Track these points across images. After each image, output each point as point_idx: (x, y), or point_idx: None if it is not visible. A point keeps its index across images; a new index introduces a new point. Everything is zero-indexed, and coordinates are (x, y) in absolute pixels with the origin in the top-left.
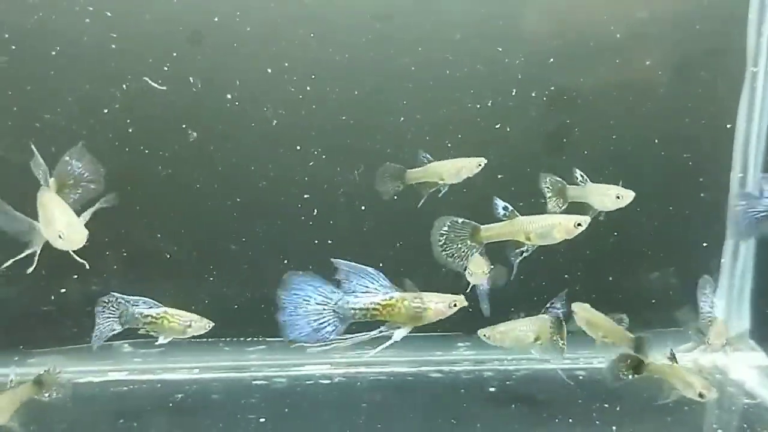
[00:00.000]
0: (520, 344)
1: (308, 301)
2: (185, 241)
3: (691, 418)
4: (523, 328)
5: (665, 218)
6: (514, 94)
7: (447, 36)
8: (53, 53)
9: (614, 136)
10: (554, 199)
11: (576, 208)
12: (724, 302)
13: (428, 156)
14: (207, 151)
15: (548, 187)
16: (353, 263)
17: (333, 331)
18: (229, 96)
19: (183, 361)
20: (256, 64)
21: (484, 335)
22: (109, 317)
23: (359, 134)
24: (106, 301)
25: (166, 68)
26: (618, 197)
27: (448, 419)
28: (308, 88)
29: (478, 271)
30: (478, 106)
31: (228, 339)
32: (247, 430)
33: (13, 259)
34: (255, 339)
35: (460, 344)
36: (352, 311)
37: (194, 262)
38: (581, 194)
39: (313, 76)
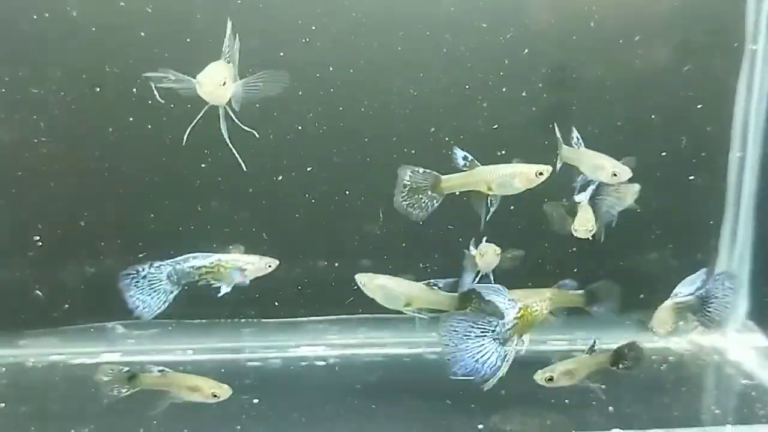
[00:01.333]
0: (391, 303)
1: (468, 335)
2: (181, 223)
3: (689, 399)
4: (398, 289)
5: (663, 199)
6: (509, 73)
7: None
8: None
9: (611, 116)
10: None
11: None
12: None
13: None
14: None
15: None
16: (484, 284)
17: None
18: None
19: (177, 342)
20: None
21: (362, 282)
22: (154, 283)
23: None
24: (135, 272)
25: (167, 54)
26: (614, 174)
27: (444, 400)
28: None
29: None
30: (467, 86)
31: (222, 320)
32: (241, 411)
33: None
34: (250, 320)
35: None
36: (508, 332)
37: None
38: (574, 157)
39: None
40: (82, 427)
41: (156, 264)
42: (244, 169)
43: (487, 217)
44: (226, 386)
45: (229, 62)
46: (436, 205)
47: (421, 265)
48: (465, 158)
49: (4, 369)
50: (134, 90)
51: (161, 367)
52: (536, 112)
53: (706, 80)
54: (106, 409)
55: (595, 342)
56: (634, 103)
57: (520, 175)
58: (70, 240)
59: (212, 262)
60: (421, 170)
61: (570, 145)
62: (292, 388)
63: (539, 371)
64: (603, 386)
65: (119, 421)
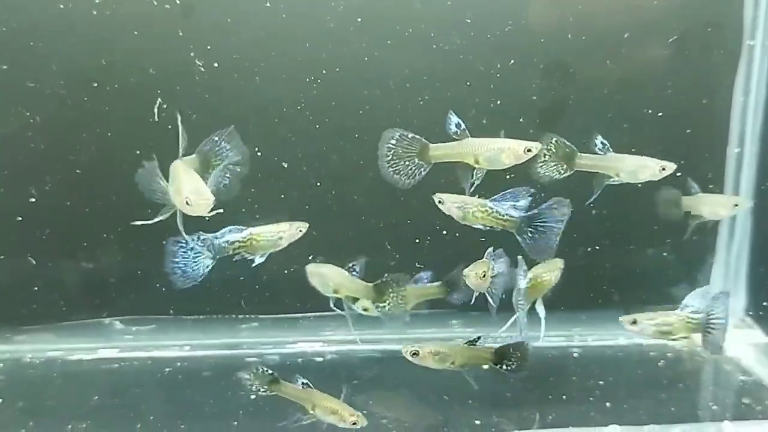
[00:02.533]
0: (323, 289)
1: None
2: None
3: (686, 395)
4: (328, 275)
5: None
6: (509, 65)
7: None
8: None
9: (609, 110)
10: (552, 164)
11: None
12: (721, 280)
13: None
14: None
15: (551, 149)
16: None
17: None
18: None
19: (174, 338)
20: None
21: (308, 270)
22: (198, 256)
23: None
24: (185, 242)
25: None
26: (663, 169)
27: (441, 396)
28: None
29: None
30: (468, 83)
31: (220, 316)
32: (238, 407)
33: (143, 222)
34: (248, 316)
35: (453, 321)
36: None
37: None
38: (604, 164)
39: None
40: (80, 422)
41: (202, 237)
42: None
43: (471, 190)
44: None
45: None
46: (423, 173)
47: (417, 264)
48: (458, 125)
49: (1, 365)
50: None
51: (306, 381)
52: (532, 107)
53: (703, 76)
54: (103, 405)
55: (479, 338)
56: (632, 99)
57: (508, 151)
58: (68, 235)
59: (245, 237)
60: (410, 135)
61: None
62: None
63: (407, 345)
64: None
65: (116, 417)
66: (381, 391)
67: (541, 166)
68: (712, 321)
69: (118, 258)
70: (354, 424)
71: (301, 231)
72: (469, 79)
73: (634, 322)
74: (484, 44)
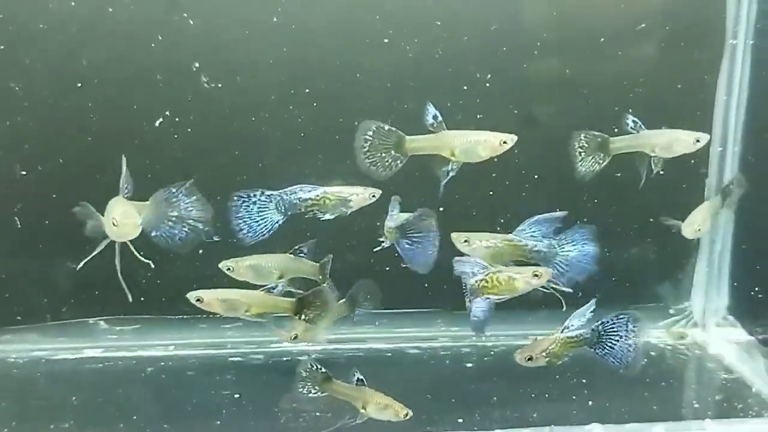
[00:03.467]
0: (264, 278)
1: None
2: None
3: (669, 393)
4: (269, 263)
5: (643, 193)
6: (490, 69)
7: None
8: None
9: (592, 108)
10: (590, 159)
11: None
12: (704, 278)
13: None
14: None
15: (583, 145)
16: None
17: None
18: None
19: (159, 338)
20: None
21: (228, 268)
22: (265, 210)
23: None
24: (246, 197)
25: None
26: (697, 140)
27: (425, 395)
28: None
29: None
30: (465, 87)
31: (205, 316)
32: (221, 406)
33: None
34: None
35: (438, 320)
36: None
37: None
38: (636, 143)
39: None
40: (64, 422)
41: (267, 192)
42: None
43: (443, 183)
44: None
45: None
46: (400, 165)
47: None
48: (435, 117)
49: None
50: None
51: (361, 377)
52: (516, 106)
53: (686, 75)
54: (87, 405)
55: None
56: (614, 98)
57: (484, 143)
58: (53, 235)
59: (318, 195)
60: (386, 127)
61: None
62: (273, 383)
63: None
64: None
65: (100, 417)
66: None
67: (581, 164)
68: (609, 337)
69: (102, 258)
70: (406, 416)
71: (374, 197)
72: (456, 78)
73: (466, 241)
74: (472, 42)
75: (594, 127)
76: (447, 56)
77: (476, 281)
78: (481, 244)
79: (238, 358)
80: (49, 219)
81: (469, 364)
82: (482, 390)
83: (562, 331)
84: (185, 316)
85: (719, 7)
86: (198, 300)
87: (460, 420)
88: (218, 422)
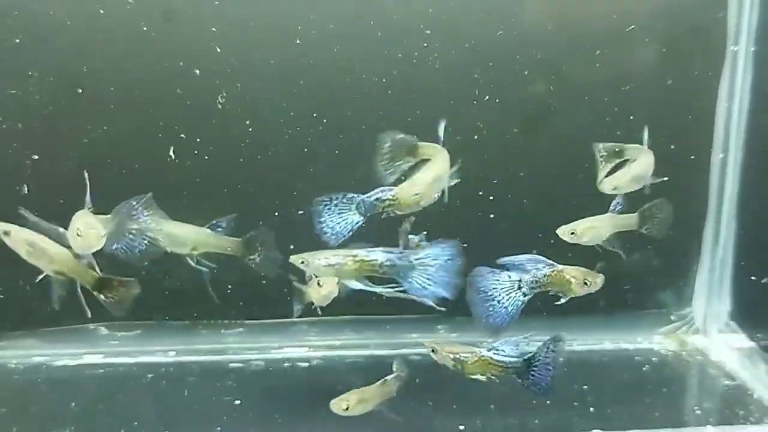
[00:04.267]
0: (178, 248)
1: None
2: None
3: (671, 399)
4: (183, 233)
5: (645, 199)
6: (491, 73)
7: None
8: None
9: (593, 115)
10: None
11: None
12: (706, 284)
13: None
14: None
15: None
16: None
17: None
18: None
19: (159, 343)
20: None
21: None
22: (343, 212)
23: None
24: (328, 200)
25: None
26: None
27: (425, 401)
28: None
29: None
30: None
31: (205, 322)
32: (222, 412)
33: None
34: (233, 322)
35: (439, 326)
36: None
37: None
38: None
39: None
40: (64, 428)
41: (349, 195)
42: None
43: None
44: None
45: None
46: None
47: None
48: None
49: None
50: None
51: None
52: (517, 112)
53: (688, 81)
54: (87, 411)
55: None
56: (616, 104)
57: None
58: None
59: (393, 195)
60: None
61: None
62: (273, 389)
63: None
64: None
65: (100, 423)
66: None
67: (611, 181)
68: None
69: (103, 264)
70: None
71: (437, 196)
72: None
73: (303, 262)
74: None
75: (595, 133)
76: (448, 61)
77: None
78: (320, 262)
79: (239, 364)
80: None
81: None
82: (484, 397)
83: (489, 350)
84: (186, 322)
85: (721, 13)
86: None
87: (462, 427)
88: (219, 428)
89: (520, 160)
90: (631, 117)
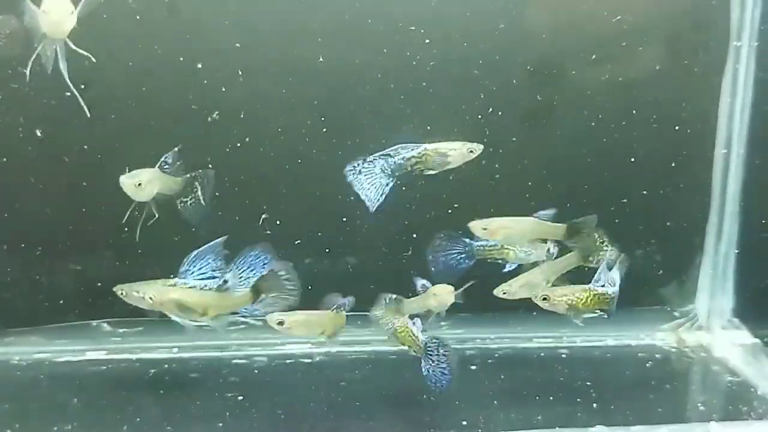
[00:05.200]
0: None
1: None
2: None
3: (674, 396)
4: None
5: (648, 196)
6: (492, 71)
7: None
8: None
9: (596, 112)
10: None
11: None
12: (709, 281)
13: None
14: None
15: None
16: None
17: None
18: None
19: (162, 340)
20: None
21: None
22: (374, 175)
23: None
24: (355, 166)
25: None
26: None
27: (428, 397)
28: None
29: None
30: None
31: None
32: (225, 408)
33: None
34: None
35: (442, 323)
36: None
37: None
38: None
39: None
40: (66, 424)
41: (369, 158)
42: (88, 115)
43: None
44: None
45: None
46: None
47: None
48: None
49: None
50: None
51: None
52: (519, 109)
53: (690, 77)
54: (90, 407)
55: None
56: (619, 100)
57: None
58: (57, 238)
59: (420, 152)
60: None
61: None
62: (276, 385)
63: None
64: None
65: (103, 419)
66: (369, 393)
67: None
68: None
69: (107, 260)
70: None
71: (472, 152)
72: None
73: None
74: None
75: (598, 129)
76: (448, 60)
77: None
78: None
79: (242, 360)
80: (53, 220)
81: (474, 367)
82: (486, 392)
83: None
84: None
85: (723, 9)
86: None
87: (464, 422)
88: (221, 424)
89: (522, 159)
90: (634, 112)
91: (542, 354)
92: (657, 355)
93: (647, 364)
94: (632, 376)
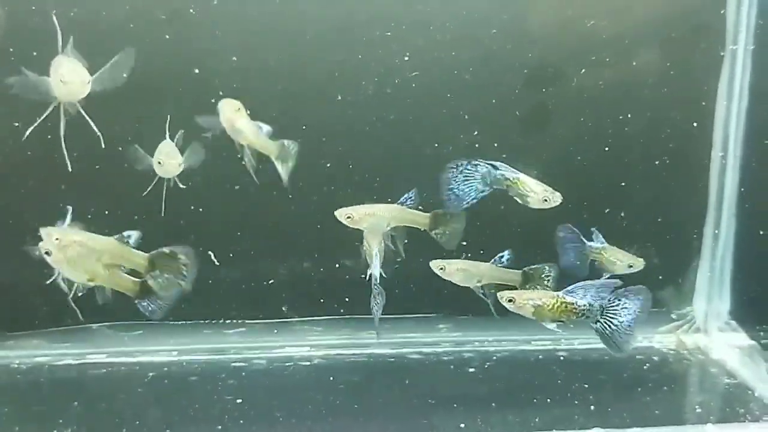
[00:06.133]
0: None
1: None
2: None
3: (671, 398)
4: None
5: (645, 199)
6: (488, 74)
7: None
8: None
9: (593, 114)
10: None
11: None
12: (706, 283)
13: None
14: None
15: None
16: None
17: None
18: None
19: (162, 343)
20: None
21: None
22: (468, 179)
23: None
24: (458, 165)
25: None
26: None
27: (426, 400)
28: None
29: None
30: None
31: (207, 321)
32: (224, 411)
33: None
34: (235, 321)
35: (440, 326)
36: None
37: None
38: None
39: None
40: (66, 428)
41: (474, 161)
42: (70, 169)
43: None
44: None
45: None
46: None
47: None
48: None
49: None
50: None
51: None
52: (515, 113)
53: (687, 80)
54: (90, 410)
55: None
56: (615, 103)
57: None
58: None
59: (514, 178)
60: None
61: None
62: (275, 388)
63: None
64: None
65: (103, 422)
66: (368, 396)
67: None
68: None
69: None
70: None
71: (546, 201)
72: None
73: None
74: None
75: (595, 133)
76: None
77: None
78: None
79: (241, 364)
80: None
81: (472, 369)
82: (484, 395)
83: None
84: (188, 322)
85: (719, 12)
86: None
87: (462, 425)
88: (220, 427)
89: (519, 163)
90: (630, 116)
91: (540, 356)
92: (654, 358)
93: (645, 366)
94: (630, 378)
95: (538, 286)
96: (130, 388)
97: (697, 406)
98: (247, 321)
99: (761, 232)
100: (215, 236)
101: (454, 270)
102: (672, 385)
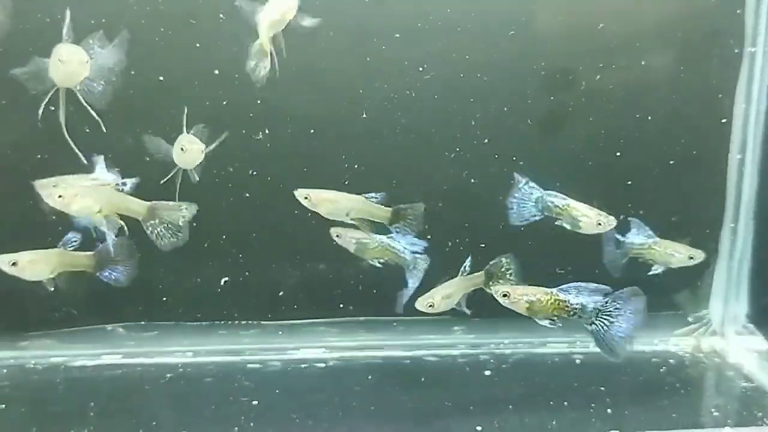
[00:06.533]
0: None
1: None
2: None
3: (688, 401)
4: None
5: (662, 201)
6: (505, 76)
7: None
8: None
9: (611, 117)
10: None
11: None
12: (723, 286)
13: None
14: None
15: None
16: None
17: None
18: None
19: (177, 344)
20: None
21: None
22: (526, 203)
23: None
24: (520, 180)
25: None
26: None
27: (442, 402)
28: None
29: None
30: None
31: (222, 322)
32: (239, 413)
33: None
34: (250, 322)
35: (456, 328)
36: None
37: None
38: None
39: None
40: (82, 428)
41: (531, 184)
42: (84, 162)
43: None
44: None
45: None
46: None
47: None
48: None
49: (5, 371)
50: None
51: None
52: (533, 115)
53: (705, 82)
54: (105, 411)
55: None
56: (633, 106)
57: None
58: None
59: (563, 205)
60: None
61: None
62: (290, 390)
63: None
64: None
65: (118, 423)
66: (383, 398)
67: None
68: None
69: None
70: None
71: (600, 225)
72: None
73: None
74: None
75: (613, 136)
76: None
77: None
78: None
79: (256, 365)
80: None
81: (488, 372)
82: (500, 398)
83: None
84: (203, 323)
85: (738, 15)
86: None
87: (479, 428)
88: (236, 428)
89: (535, 163)
90: (649, 118)
91: (556, 359)
92: (671, 361)
93: (661, 370)
94: (646, 381)
95: (501, 281)
96: (145, 389)
97: (713, 410)
98: (262, 322)
99: None
100: (230, 237)
101: (322, 200)
102: (688, 389)
